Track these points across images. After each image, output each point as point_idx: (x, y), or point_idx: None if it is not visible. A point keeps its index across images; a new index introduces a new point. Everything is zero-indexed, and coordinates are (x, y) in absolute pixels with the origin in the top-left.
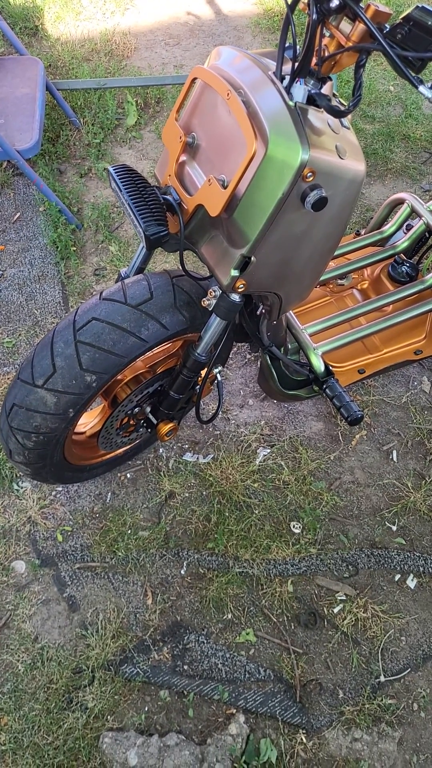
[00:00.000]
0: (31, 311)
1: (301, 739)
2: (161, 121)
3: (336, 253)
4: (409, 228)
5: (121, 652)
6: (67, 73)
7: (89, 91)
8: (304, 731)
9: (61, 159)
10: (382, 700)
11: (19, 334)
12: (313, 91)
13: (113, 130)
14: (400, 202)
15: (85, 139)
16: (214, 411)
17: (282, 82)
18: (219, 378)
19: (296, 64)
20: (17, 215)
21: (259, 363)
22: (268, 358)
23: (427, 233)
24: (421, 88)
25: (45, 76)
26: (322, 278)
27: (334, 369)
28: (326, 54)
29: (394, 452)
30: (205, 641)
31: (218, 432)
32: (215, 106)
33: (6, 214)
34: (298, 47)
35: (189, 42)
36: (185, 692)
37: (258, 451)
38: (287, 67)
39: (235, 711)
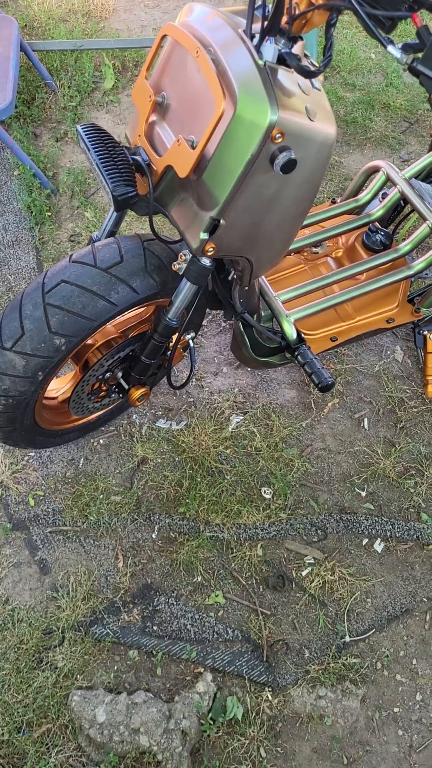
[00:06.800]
0: (4, 277)
1: (267, 696)
2: None
3: (311, 220)
4: (384, 196)
5: (91, 613)
6: (43, 33)
7: (66, 52)
8: (269, 689)
9: (37, 122)
10: (346, 659)
11: None
12: (283, 51)
13: (90, 93)
14: (376, 170)
15: (61, 103)
16: (186, 377)
17: (252, 40)
18: (191, 344)
19: (266, 22)
20: None
21: (232, 331)
22: (240, 324)
23: (402, 202)
24: (390, 48)
25: (20, 36)
26: (296, 246)
27: (306, 336)
28: (297, 12)
29: (366, 420)
30: (175, 603)
31: (192, 399)
32: (185, 64)
33: None
34: (268, 5)
35: (169, 4)
36: (154, 652)
37: (231, 418)
38: (258, 26)
39: (202, 670)
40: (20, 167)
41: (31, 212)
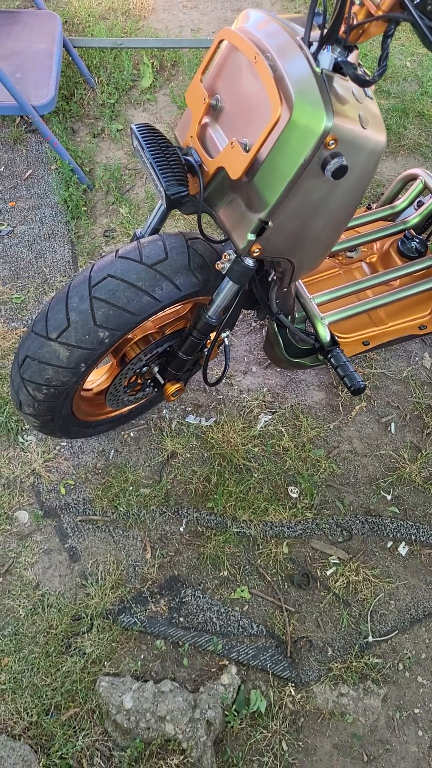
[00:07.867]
0: (40, 269)
1: (290, 691)
2: (176, 85)
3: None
4: (420, 204)
5: (119, 602)
6: (84, 30)
7: (105, 50)
8: (293, 684)
9: (75, 118)
10: (369, 659)
11: (28, 291)
12: (339, 59)
13: (128, 91)
14: (414, 177)
15: (99, 99)
16: (219, 375)
17: (309, 48)
18: (226, 342)
19: (324, 30)
20: (29, 172)
21: (264, 331)
22: (275, 325)
23: None
24: None
25: (62, 32)
26: (332, 250)
27: (339, 339)
28: (355, 22)
29: (393, 424)
30: (201, 596)
31: (221, 396)
32: (241, 69)
33: (18, 171)
34: (327, 14)
35: (207, 6)
36: (180, 643)
37: (259, 417)
38: (315, 34)
39: (227, 662)
40: (58, 162)
41: (68, 206)
